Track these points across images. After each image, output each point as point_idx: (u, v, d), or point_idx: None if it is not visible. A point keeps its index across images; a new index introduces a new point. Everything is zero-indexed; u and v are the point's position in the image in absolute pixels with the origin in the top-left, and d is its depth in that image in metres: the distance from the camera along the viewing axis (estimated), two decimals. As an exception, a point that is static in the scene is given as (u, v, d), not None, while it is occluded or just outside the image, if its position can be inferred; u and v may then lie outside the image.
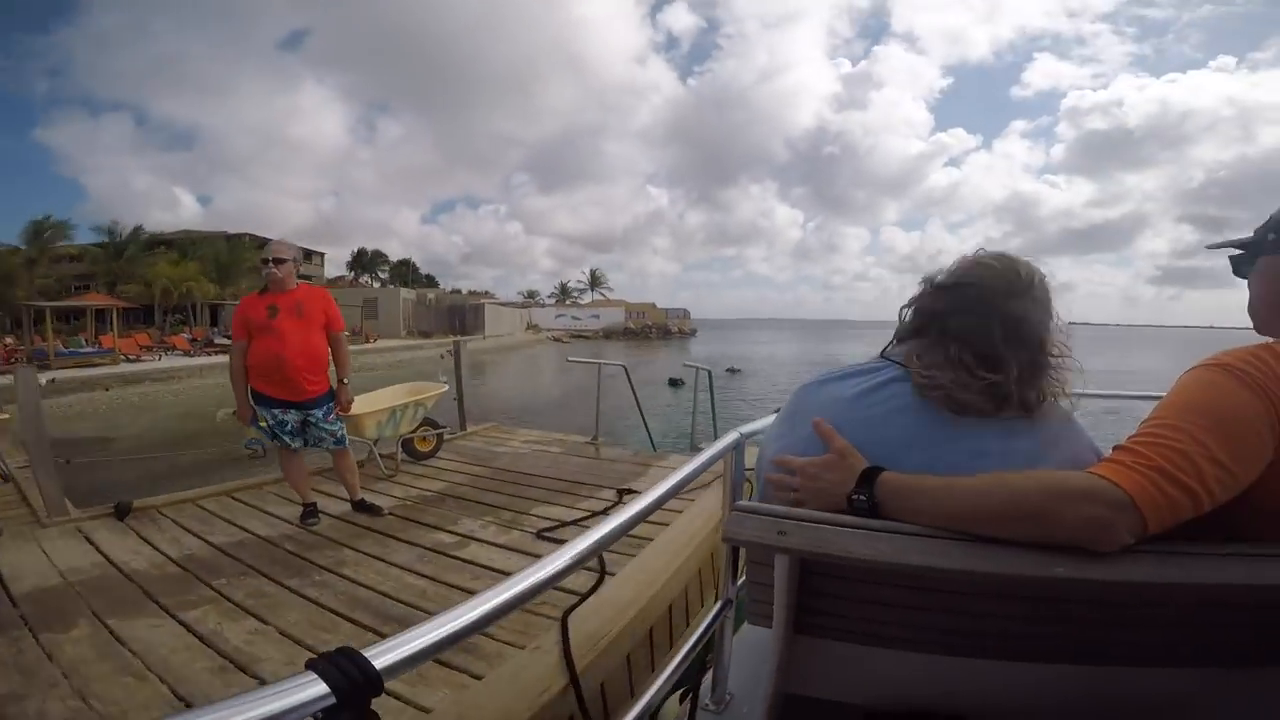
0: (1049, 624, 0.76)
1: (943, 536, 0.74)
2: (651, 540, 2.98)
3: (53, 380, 13.26)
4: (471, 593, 2.16)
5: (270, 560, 2.92)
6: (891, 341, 1.00)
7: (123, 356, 20.06)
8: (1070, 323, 0.94)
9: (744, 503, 0.84)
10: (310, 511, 3.48)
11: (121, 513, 3.60)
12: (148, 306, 29.76)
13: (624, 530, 0.96)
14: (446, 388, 5.31)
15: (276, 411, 3.42)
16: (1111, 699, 0.80)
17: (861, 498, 0.80)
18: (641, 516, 1.01)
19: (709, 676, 1.28)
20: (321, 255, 54.13)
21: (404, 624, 2.13)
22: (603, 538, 0.91)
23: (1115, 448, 0.76)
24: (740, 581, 1.28)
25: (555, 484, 4.27)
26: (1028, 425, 0.86)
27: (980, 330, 0.87)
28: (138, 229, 33.07)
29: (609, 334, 59.17)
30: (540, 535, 3.25)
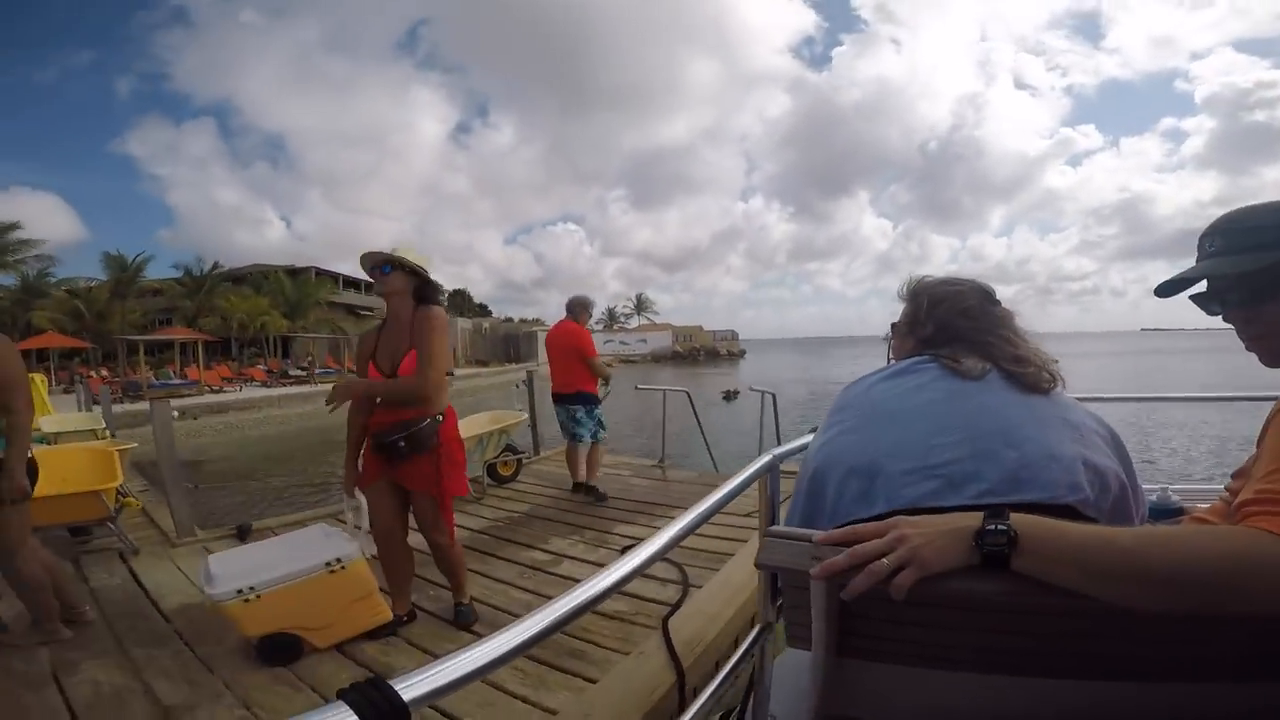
0: (1108, 641, 0.72)
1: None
2: (733, 556, 3.15)
3: (180, 413, 14.27)
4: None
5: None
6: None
7: (207, 387, 21.43)
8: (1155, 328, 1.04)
9: (777, 528, 0.84)
10: None
11: (243, 534, 3.98)
12: (225, 339, 31.75)
13: (676, 541, 1.04)
14: (525, 416, 5.61)
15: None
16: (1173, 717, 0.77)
17: (999, 527, 0.69)
18: (689, 530, 1.10)
19: (751, 700, 1.30)
20: (381, 287, 56.29)
21: (545, 650, 2.33)
22: (660, 548, 0.98)
23: (1250, 501, 0.68)
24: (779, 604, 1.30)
25: (630, 505, 4.48)
26: (1025, 387, 0.99)
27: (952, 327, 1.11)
28: (215, 264, 35.38)
29: (656, 358, 59.34)
30: (625, 552, 3.43)
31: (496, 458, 5.21)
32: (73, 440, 6.47)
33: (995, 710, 0.80)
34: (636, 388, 6.94)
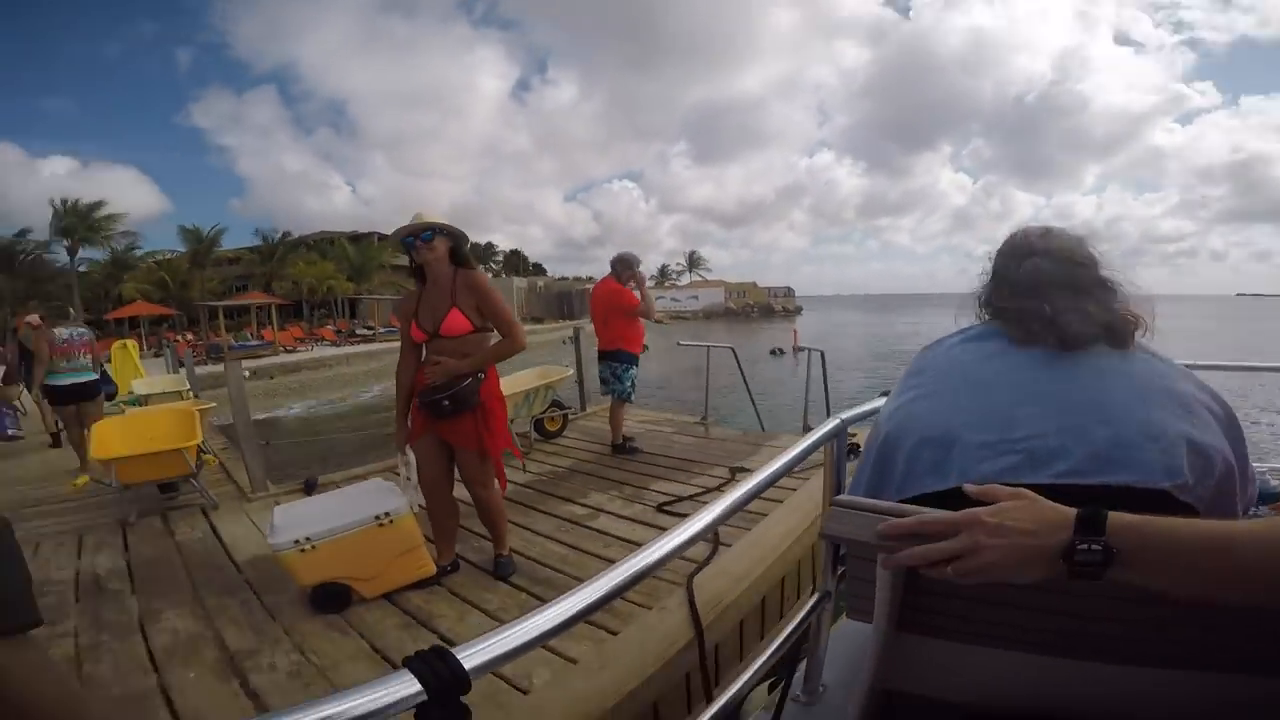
0: (1187, 628, 0.69)
1: None
2: (766, 515, 3.18)
3: (253, 372, 15.25)
4: (604, 560, 2.47)
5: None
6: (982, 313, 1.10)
7: (281, 348, 22.71)
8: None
9: (844, 497, 0.81)
10: None
11: (309, 488, 4.26)
12: (297, 302, 33.44)
13: (738, 507, 1.03)
14: (571, 372, 5.72)
15: None
16: (1247, 706, 0.73)
17: (1093, 547, 0.59)
18: (753, 495, 1.08)
19: (801, 668, 1.29)
20: (439, 248, 57.79)
21: (551, 585, 2.48)
22: (720, 514, 0.98)
23: None
24: (840, 573, 1.28)
25: (670, 462, 4.54)
26: (1128, 354, 0.91)
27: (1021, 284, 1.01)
28: (285, 234, 37.09)
29: (709, 314, 58.89)
30: (660, 509, 3.52)
31: (543, 413, 5.36)
32: (160, 401, 7.03)
33: (1061, 694, 0.78)
34: (679, 344, 6.93)
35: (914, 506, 0.74)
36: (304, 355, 21.63)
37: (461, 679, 0.55)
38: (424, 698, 0.53)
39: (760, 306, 63.26)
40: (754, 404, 6.43)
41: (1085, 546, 0.59)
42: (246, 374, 4.90)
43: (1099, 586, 0.61)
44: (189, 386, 7.65)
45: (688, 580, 2.48)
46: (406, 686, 0.53)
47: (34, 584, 2.86)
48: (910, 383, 1.00)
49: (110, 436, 3.98)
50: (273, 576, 2.86)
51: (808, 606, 1.24)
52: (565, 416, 5.65)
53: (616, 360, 4.76)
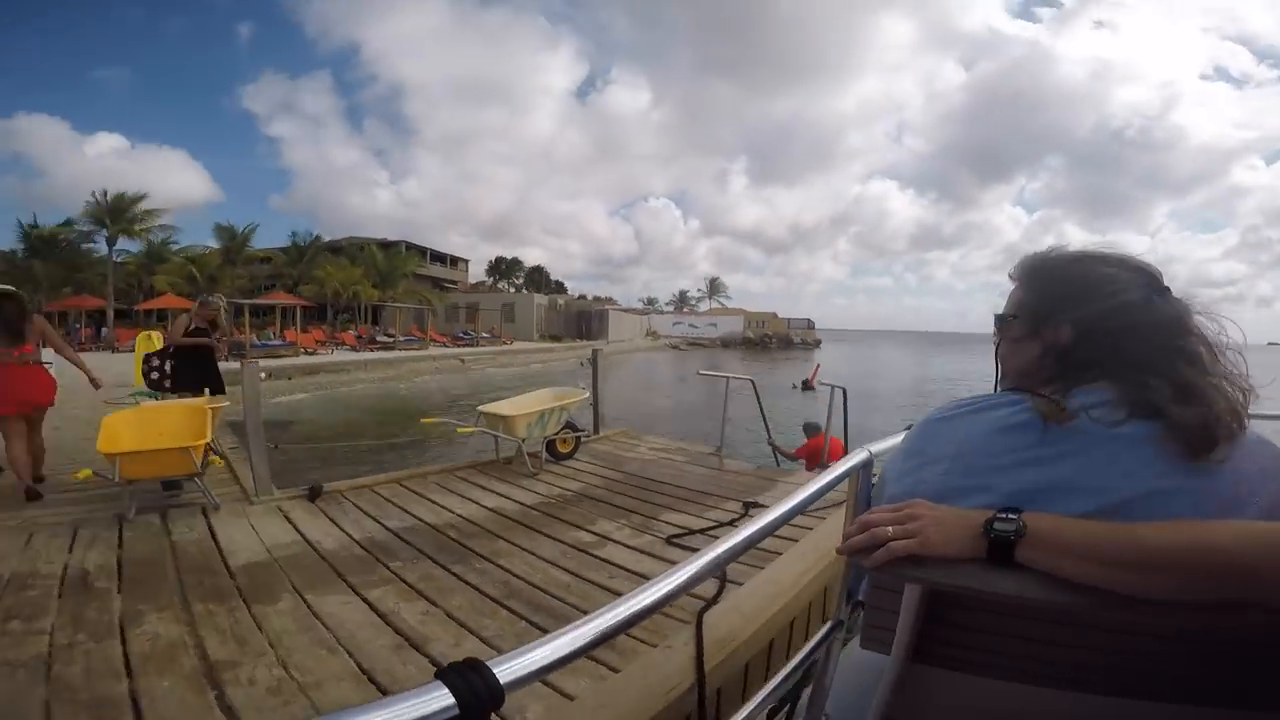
0: (1216, 666, 0.69)
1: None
2: (780, 555, 3.04)
3: (269, 375, 15.40)
4: (610, 591, 2.34)
5: (437, 546, 3.28)
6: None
7: (302, 350, 22.97)
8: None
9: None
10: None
11: (313, 495, 4.19)
12: (322, 305, 33.89)
13: (751, 544, 0.97)
14: (587, 394, 5.64)
15: None
16: None
17: (1009, 516, 0.69)
18: (768, 531, 1.03)
19: (806, 695, 1.27)
20: (466, 262, 58.56)
21: (551, 614, 2.36)
22: (732, 548, 0.93)
23: None
24: (854, 602, 1.26)
25: (682, 492, 4.41)
26: (1217, 464, 0.72)
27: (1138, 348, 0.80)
28: (317, 236, 37.70)
29: (726, 343, 58.61)
30: (670, 541, 3.40)
31: (556, 434, 5.28)
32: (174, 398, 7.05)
33: None
34: (698, 373, 6.83)
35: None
36: (324, 358, 21.84)
37: (497, 693, 0.55)
38: (455, 713, 0.52)
39: (779, 337, 62.89)
40: (770, 439, 6.31)
41: (1004, 517, 0.69)
42: (264, 376, 4.87)
43: (1139, 620, 0.65)
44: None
45: (697, 618, 2.35)
46: (441, 699, 0.52)
47: (21, 577, 2.81)
48: (920, 460, 0.86)
49: (119, 429, 3.94)
50: (265, 584, 2.80)
51: (820, 634, 1.23)
52: (578, 439, 5.55)
53: None
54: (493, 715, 0.55)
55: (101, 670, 2.09)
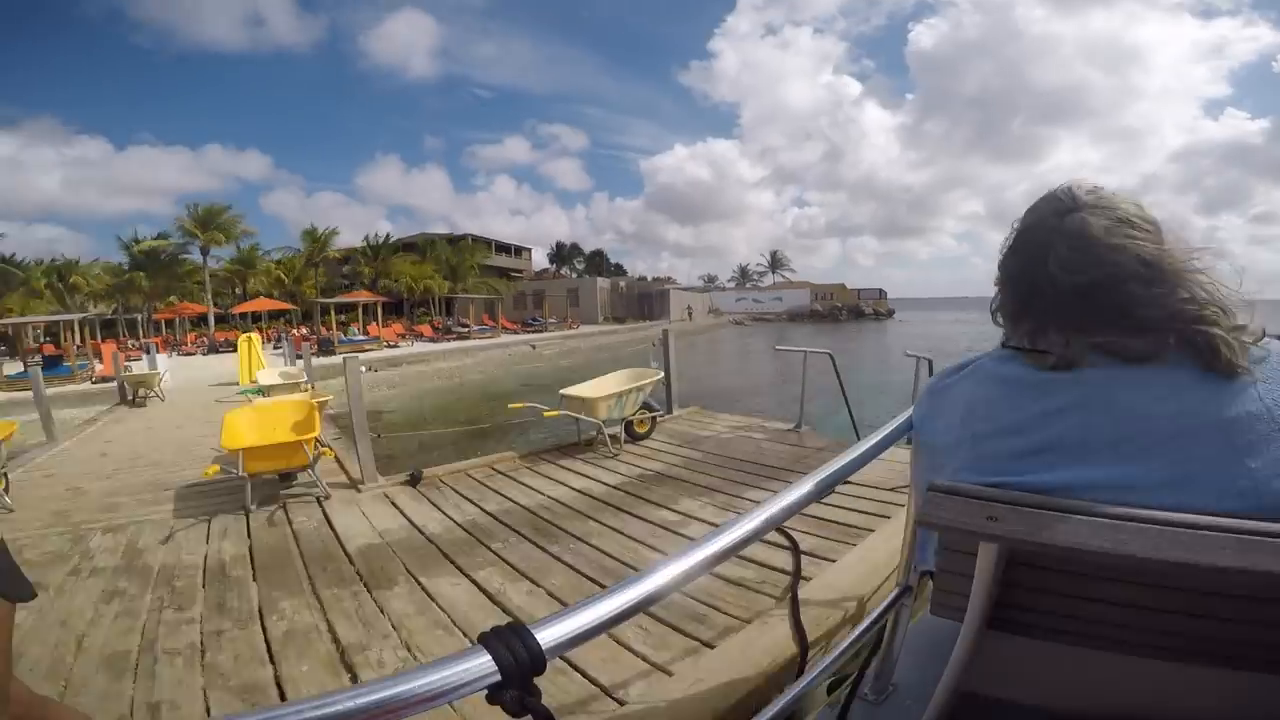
0: None
1: (1207, 528, 0.61)
2: (873, 532, 3.05)
3: (372, 368, 16.34)
4: (712, 574, 2.33)
5: (533, 528, 3.46)
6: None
7: (385, 343, 24.13)
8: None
9: (942, 482, 0.75)
10: None
11: (414, 481, 4.47)
12: (399, 300, 35.47)
13: (806, 501, 0.92)
14: (661, 374, 5.71)
15: None
16: None
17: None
18: (824, 488, 0.96)
19: (873, 665, 1.23)
20: (529, 251, 59.67)
21: (670, 611, 2.40)
22: (787, 506, 0.89)
23: None
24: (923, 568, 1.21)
25: (762, 469, 4.45)
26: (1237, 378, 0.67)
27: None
28: (388, 235, 39.32)
29: (792, 316, 57.38)
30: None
31: (634, 415, 5.38)
32: (281, 392, 7.61)
33: (1164, 699, 0.72)
34: (775, 348, 6.75)
35: (1027, 494, 0.69)
36: (405, 350, 22.87)
37: (538, 658, 0.54)
38: (497, 678, 0.52)
39: (850, 308, 60.97)
40: (850, 411, 6.19)
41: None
42: (364, 369, 5.18)
43: (1226, 581, 0.60)
44: (305, 378, 8.22)
45: (788, 594, 2.39)
46: (482, 665, 0.52)
47: (169, 569, 3.11)
48: (932, 417, 0.88)
49: (240, 426, 4.31)
50: (382, 569, 3.02)
51: (887, 600, 1.17)
52: (654, 419, 5.64)
53: None
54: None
55: (247, 656, 2.32)
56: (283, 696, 2.07)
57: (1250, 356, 0.67)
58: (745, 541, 0.82)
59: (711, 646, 2.20)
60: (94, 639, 2.45)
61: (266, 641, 2.41)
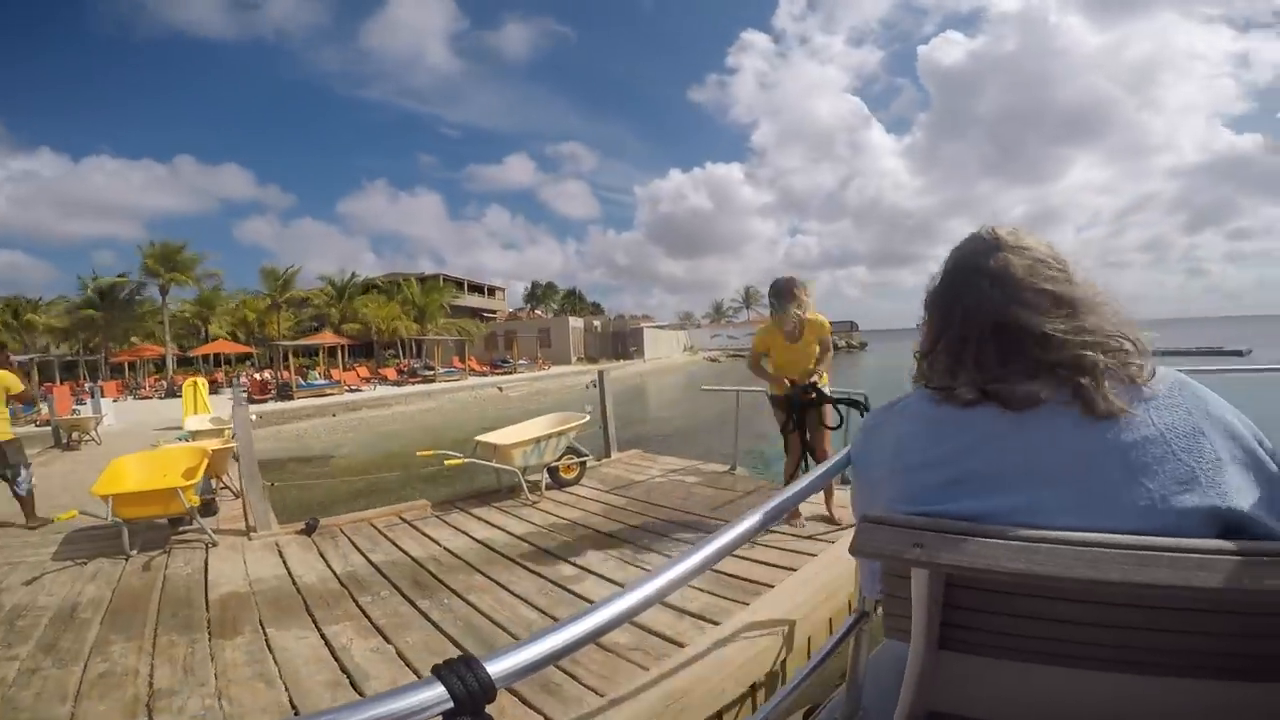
0: (1246, 639, 0.68)
1: (1111, 545, 0.66)
2: (815, 556, 3.18)
3: (311, 406, 15.90)
4: None
5: (412, 581, 3.23)
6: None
7: (347, 387, 23.61)
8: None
9: (874, 513, 0.79)
10: None
11: (310, 529, 4.21)
12: (367, 342, 34.93)
13: (754, 531, 0.96)
14: (587, 418, 5.52)
15: None
16: None
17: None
18: (770, 518, 1.01)
19: (839, 692, 1.25)
20: (502, 290, 59.73)
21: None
22: (732, 539, 0.92)
23: None
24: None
25: (685, 517, 4.25)
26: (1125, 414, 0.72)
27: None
28: (353, 275, 38.88)
29: (769, 353, 57.85)
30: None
31: (558, 460, 5.18)
32: (206, 437, 7.31)
33: (1118, 709, 0.76)
34: (702, 389, 6.63)
35: (951, 520, 0.74)
36: (366, 395, 22.39)
37: (488, 688, 0.57)
38: (450, 705, 0.54)
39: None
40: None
41: None
42: (254, 418, 4.97)
43: (1132, 593, 0.66)
44: (228, 425, 7.92)
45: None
46: (434, 694, 0.54)
47: (19, 609, 2.98)
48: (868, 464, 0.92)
49: (124, 472, 4.11)
50: (233, 618, 2.86)
51: (843, 629, 1.23)
52: (583, 464, 5.44)
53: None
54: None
55: (52, 694, 2.24)
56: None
57: (1144, 384, 0.74)
58: (695, 572, 0.85)
59: (667, 677, 2.16)
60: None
61: (81, 682, 2.30)
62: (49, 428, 13.52)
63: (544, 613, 2.80)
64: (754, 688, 2.28)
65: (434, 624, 2.70)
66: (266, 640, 2.60)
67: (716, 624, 2.53)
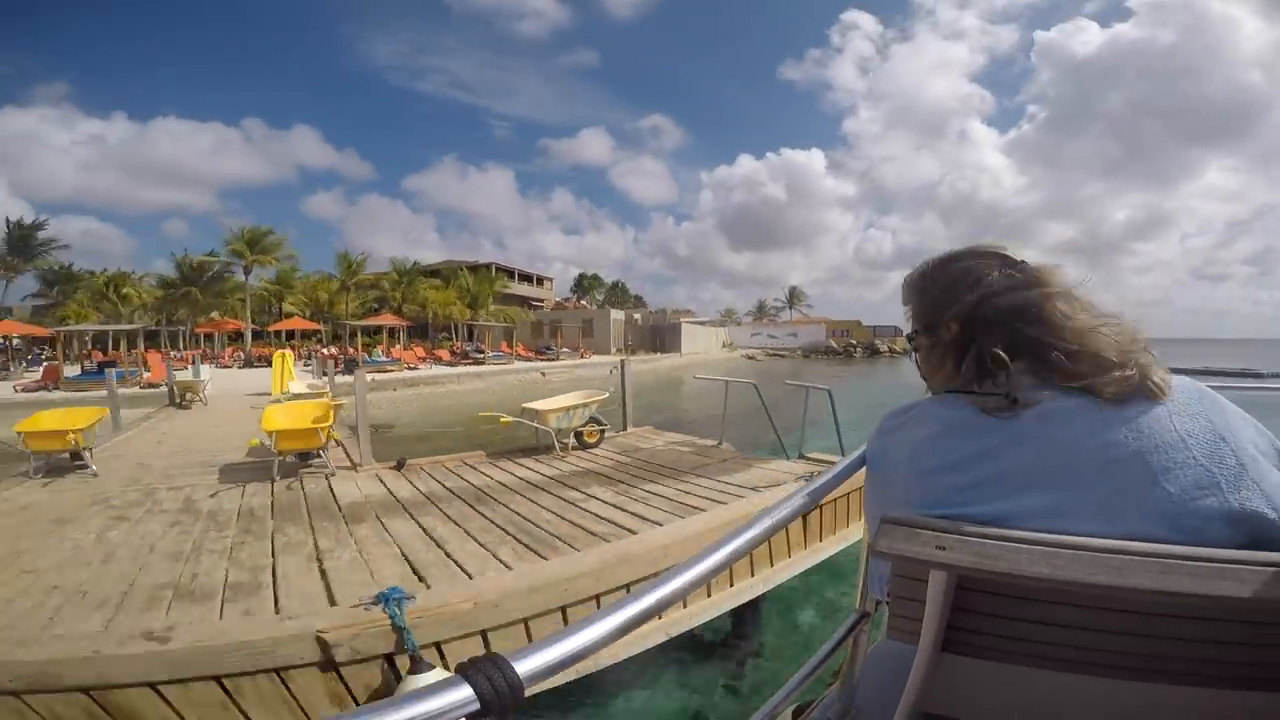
0: (1264, 649, 0.69)
1: (1133, 553, 0.65)
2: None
3: (374, 380, 17.94)
4: (585, 530, 3.61)
5: (474, 497, 4.72)
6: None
7: (405, 365, 25.79)
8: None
9: (895, 514, 0.77)
10: None
11: (399, 466, 5.79)
12: (423, 325, 37.50)
13: (755, 544, 0.83)
14: (608, 395, 7.00)
15: None
16: None
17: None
18: (776, 528, 0.89)
19: (832, 691, 1.23)
20: (550, 280, 61.94)
21: (539, 543, 3.70)
22: (736, 549, 0.80)
23: None
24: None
25: (667, 470, 5.63)
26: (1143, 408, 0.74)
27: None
28: (415, 263, 41.54)
29: (808, 352, 58.28)
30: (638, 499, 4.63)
31: (583, 426, 6.66)
32: (308, 399, 9.07)
33: (1123, 716, 0.77)
34: (695, 376, 7.82)
35: (973, 523, 0.73)
36: (423, 372, 24.48)
37: (517, 688, 0.54)
38: (476, 707, 0.51)
39: (865, 345, 61.61)
40: (776, 432, 7.10)
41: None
42: (370, 380, 6.54)
43: (1152, 601, 0.65)
44: (327, 390, 9.69)
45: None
46: (461, 696, 0.51)
47: (214, 511, 4.65)
48: (883, 475, 0.89)
49: (275, 416, 5.74)
50: (359, 514, 4.34)
51: (845, 626, 1.17)
52: (602, 432, 6.89)
53: None
54: None
55: (257, 553, 3.59)
56: (274, 573, 3.26)
57: (1162, 392, 0.75)
58: (729, 560, 0.78)
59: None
60: (162, 545, 3.74)
61: (273, 547, 3.69)
62: (153, 389, 15.93)
63: (557, 515, 4.21)
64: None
65: (487, 518, 4.17)
66: (383, 525, 4.06)
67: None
